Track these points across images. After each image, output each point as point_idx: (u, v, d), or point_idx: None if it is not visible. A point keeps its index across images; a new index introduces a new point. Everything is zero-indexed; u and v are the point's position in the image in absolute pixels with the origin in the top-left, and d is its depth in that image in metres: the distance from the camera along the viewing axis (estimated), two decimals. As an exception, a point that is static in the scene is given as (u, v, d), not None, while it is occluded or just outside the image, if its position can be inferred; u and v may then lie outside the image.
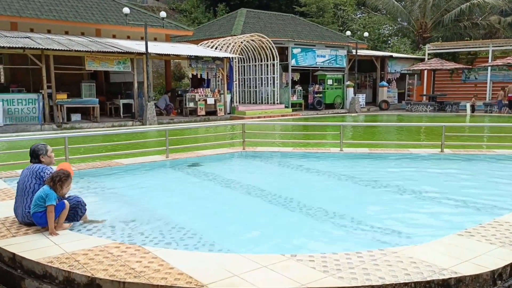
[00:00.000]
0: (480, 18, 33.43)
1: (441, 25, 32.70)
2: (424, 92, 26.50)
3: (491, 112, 21.36)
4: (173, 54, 18.29)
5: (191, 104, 19.19)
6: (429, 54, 27.03)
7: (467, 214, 5.42)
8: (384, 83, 27.21)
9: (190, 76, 19.37)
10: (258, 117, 20.13)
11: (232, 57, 20.20)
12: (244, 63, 23.91)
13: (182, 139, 11.38)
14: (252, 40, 21.86)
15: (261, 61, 22.84)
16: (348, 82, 25.39)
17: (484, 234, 4.28)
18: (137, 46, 18.01)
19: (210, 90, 20.04)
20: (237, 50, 20.74)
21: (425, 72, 26.55)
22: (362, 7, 43.19)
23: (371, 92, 29.19)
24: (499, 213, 5.20)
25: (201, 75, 19.19)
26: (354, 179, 7.42)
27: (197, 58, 18.66)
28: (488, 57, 25.03)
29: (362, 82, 29.87)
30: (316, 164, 8.78)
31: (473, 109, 21.85)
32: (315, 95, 24.37)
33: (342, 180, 7.48)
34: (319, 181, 7.50)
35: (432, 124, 13.64)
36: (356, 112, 23.87)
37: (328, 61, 24.49)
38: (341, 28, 38.20)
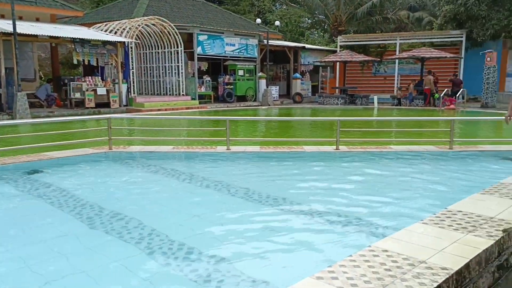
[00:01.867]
0: (391, 13, 34.19)
1: (355, 19, 32.90)
2: (337, 85, 26.25)
3: (398, 105, 21.43)
4: (51, 36, 15.69)
5: (78, 95, 16.76)
6: (341, 46, 26.79)
7: (346, 237, 4.18)
8: (297, 75, 26.52)
9: (75, 62, 16.86)
10: (159, 110, 18.24)
11: (127, 42, 18.01)
12: (145, 50, 21.75)
13: (35, 135, 9.26)
14: (152, 24, 19.80)
15: (164, 48, 20.85)
16: (260, 74, 24.28)
17: (352, 275, 3.01)
18: (9, 26, 15.17)
19: (101, 79, 17.70)
20: (133, 35, 18.58)
21: (337, 64, 26.28)
22: (281, -2, 42.68)
23: (285, 85, 28.43)
24: (384, 233, 4.04)
25: (89, 61, 16.79)
26: (229, 188, 5.98)
27: (82, 42, 16.24)
28: (396, 50, 25.30)
29: (276, 74, 29.02)
30: (192, 167, 7.29)
31: (399, 102, 21.64)
32: (226, 87, 22.93)
33: (217, 189, 6.00)
34: (184, 190, 5.97)
35: (327, 119, 12.83)
36: (269, 105, 22.86)
37: (238, 50, 23.13)
38: (256, 18, 37.24)
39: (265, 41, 23.49)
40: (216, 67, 24.44)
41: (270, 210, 4.98)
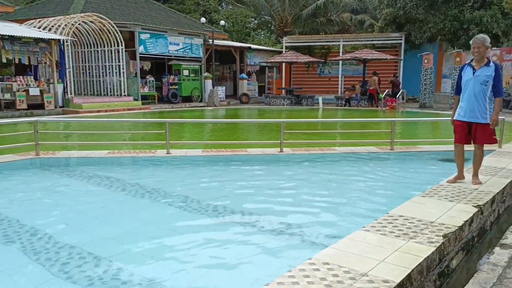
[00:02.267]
0: (334, 15, 34.94)
1: (300, 20, 33.27)
2: (283, 86, 26.36)
3: (342, 106, 21.79)
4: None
5: (8, 96, 15.50)
6: (286, 47, 26.93)
7: (287, 248, 3.93)
8: (244, 75, 26.34)
9: (4, 60, 15.58)
10: (98, 111, 17.33)
11: (62, 40, 16.93)
12: (83, 48, 20.64)
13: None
14: (90, 21, 18.78)
15: (104, 47, 19.88)
16: (206, 74, 23.85)
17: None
18: None
19: (35, 79, 16.51)
20: (69, 32, 17.51)
21: (283, 65, 26.39)
22: (227, -2, 42.39)
23: (232, 85, 28.17)
24: (326, 240, 3.85)
25: (19, 60, 15.57)
26: (166, 196, 5.57)
27: (12, 39, 15.02)
28: (339, 52, 25.80)
29: (222, 74, 28.70)
30: (128, 173, 6.79)
31: (349, 103, 21.77)
32: (170, 87, 22.29)
33: (153, 198, 5.57)
34: (116, 200, 5.50)
35: (272, 121, 12.73)
36: (215, 106, 22.49)
37: (182, 50, 22.56)
38: (201, 17, 36.74)
39: (210, 40, 23.10)
40: (160, 66, 23.71)
41: (208, 220, 4.67)
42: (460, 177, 5.38)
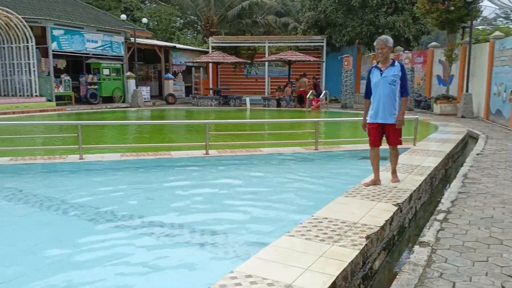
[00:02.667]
0: (259, 17, 35.28)
1: (226, 21, 33.12)
2: (210, 86, 26.00)
3: (269, 107, 21.94)
4: None
5: None
6: (213, 47, 26.60)
7: (208, 260, 3.67)
8: (170, 75, 25.58)
9: None
10: (5, 114, 15.75)
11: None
12: (-13, 44, 18.71)
13: None
14: (-5, 14, 17.06)
15: (11, 43, 18.13)
16: (129, 73, 22.78)
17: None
18: None
19: None
20: (-32, 25, 15.73)
21: (210, 65, 26.05)
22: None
23: (157, 85, 27.25)
24: (251, 249, 3.63)
25: None
26: (75, 207, 5.04)
27: None
28: (265, 53, 26.02)
29: (147, 74, 27.65)
30: (32, 182, 6.11)
31: (278, 103, 21.81)
32: (89, 87, 20.95)
33: (59, 210, 5.01)
34: (16, 215, 4.86)
35: (197, 122, 12.41)
36: (139, 106, 21.56)
37: (101, 48, 21.31)
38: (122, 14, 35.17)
39: (132, 39, 22.10)
40: (77, 65, 22.21)
41: (123, 233, 4.25)
42: (376, 180, 5.30)
